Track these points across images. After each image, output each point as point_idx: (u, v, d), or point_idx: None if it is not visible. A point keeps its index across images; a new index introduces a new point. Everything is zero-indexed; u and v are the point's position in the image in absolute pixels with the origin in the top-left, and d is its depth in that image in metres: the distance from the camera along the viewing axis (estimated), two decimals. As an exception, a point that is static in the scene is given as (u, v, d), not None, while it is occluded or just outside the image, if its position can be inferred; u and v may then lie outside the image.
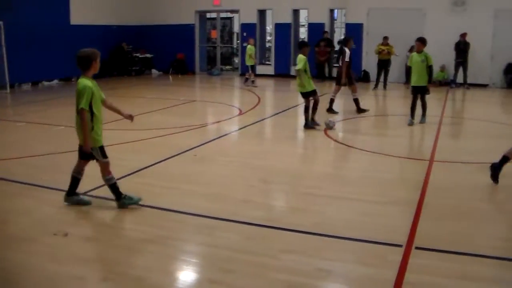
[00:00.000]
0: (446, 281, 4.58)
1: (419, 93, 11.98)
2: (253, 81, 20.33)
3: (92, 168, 6.30)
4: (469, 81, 20.11)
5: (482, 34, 20.12)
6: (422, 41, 11.92)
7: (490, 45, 20.41)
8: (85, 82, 5.91)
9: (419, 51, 11.83)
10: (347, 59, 13.33)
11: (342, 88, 13.71)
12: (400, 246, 5.23)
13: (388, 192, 7.10)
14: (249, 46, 20.47)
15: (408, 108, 12.12)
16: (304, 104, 11.65)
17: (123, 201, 6.22)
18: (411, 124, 11.92)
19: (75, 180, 6.33)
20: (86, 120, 5.89)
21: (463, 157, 9.23)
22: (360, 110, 13.73)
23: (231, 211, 6.24)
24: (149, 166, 8.15)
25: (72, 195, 6.35)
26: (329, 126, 11.44)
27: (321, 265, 4.86)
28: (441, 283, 4.56)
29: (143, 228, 5.73)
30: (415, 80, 11.91)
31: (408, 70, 12.29)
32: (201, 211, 6.18)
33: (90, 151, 6.02)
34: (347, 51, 13.43)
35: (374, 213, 6.31)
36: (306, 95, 11.55)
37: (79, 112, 5.88)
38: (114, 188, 6.24)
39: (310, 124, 11.56)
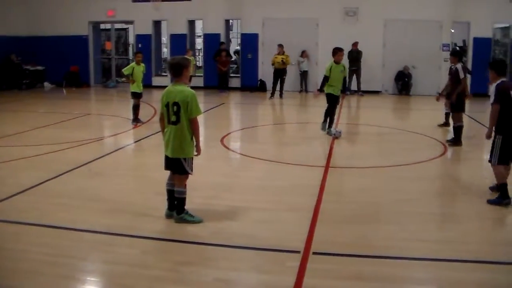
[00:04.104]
0: (344, 284, 4.76)
1: (333, 102, 11.82)
2: None
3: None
4: (362, 88, 20.99)
5: (373, 43, 21.12)
6: (343, 51, 11.97)
7: (381, 53, 21.47)
8: (190, 89, 6.08)
9: (339, 62, 11.75)
10: (462, 75, 11.35)
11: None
12: (298, 252, 5.36)
13: (285, 199, 7.24)
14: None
15: (307, 114, 12.28)
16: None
17: (183, 216, 6.23)
18: (338, 136, 11.63)
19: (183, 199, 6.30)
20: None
21: (357, 162, 9.57)
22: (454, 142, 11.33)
23: (128, 225, 6.14)
24: (41, 183, 7.82)
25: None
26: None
27: (220, 275, 4.89)
28: (339, 285, 4.73)
29: (35, 248, 5.49)
30: (335, 90, 11.76)
31: (324, 80, 11.72)
32: (97, 227, 6.03)
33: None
34: (460, 66, 11.53)
35: (271, 220, 6.42)
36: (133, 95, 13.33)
37: (193, 120, 6.02)
38: (182, 202, 6.24)
39: (137, 121, 13.30)
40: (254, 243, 5.62)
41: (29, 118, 14.67)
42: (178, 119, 5.98)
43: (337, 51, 11.82)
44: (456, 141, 10.97)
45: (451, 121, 11.83)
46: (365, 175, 8.84)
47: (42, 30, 24.04)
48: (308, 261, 5.17)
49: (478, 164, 9.98)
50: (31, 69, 23.75)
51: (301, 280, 4.75)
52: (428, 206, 7.13)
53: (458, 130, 10.97)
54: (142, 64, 13.43)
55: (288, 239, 5.75)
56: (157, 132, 11.96)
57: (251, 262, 5.32)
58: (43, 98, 21.01)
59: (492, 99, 7.08)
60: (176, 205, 6.26)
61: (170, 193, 6.33)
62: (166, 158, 6.23)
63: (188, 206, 6.26)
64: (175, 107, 5.97)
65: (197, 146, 6.19)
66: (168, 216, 6.35)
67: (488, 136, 7.25)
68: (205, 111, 16.74)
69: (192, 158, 6.17)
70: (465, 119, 11.58)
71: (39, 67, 24.11)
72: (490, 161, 7.16)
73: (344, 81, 12.01)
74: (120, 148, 10.82)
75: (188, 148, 6.10)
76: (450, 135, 11.32)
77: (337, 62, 11.76)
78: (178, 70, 6.09)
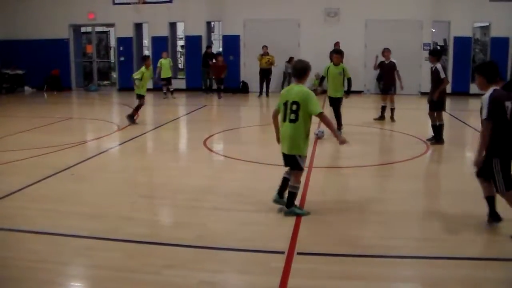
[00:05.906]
0: (328, 283, 4.76)
1: (333, 105, 12.12)
2: (171, 92, 20.70)
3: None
4: (344, 88, 20.98)
5: (355, 43, 21.25)
6: (341, 54, 12.15)
7: (362, 53, 21.58)
8: (308, 89, 6.41)
9: (338, 64, 11.98)
10: (443, 75, 10.89)
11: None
12: (282, 252, 5.35)
13: (268, 200, 7.19)
14: (162, 60, 20.28)
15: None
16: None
17: (293, 209, 6.46)
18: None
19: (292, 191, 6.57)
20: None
21: (340, 162, 9.60)
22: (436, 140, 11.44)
23: (112, 229, 6.09)
24: (22, 189, 7.71)
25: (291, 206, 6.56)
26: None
27: (204, 277, 4.86)
28: (324, 285, 4.73)
29: (19, 254, 5.42)
30: (331, 92, 12.07)
31: (322, 80, 12.13)
32: (80, 232, 5.97)
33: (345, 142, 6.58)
34: (440, 66, 11.01)
35: (255, 222, 6.42)
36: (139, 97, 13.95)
37: (320, 115, 6.28)
38: (293, 197, 6.49)
39: (131, 120, 13.78)
40: (238, 245, 5.61)
41: (10, 123, 14.53)
42: (297, 117, 6.28)
43: (332, 53, 12.21)
44: (438, 139, 11.04)
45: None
46: (348, 174, 8.87)
47: (22, 33, 23.84)
48: (292, 261, 5.16)
49: (460, 162, 10.06)
50: (11, 73, 23.53)
51: (286, 281, 4.74)
52: (411, 204, 7.15)
53: (439, 128, 11.05)
54: (150, 67, 14.43)
55: (272, 240, 5.74)
56: (140, 135, 12.00)
57: (235, 263, 5.32)
58: (23, 103, 20.85)
59: (484, 113, 5.62)
60: (288, 199, 6.51)
61: (285, 181, 6.64)
62: (283, 155, 6.62)
63: (171, 208, 6.24)
64: (294, 106, 6.29)
65: (337, 136, 6.68)
66: (276, 201, 6.65)
67: (478, 163, 5.78)
68: (187, 114, 16.78)
69: (306, 155, 6.57)
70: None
71: (19, 71, 23.90)
72: (497, 190, 5.78)
73: (349, 83, 12.54)
74: (104, 151, 10.72)
75: (303, 145, 6.44)
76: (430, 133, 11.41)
77: (336, 64, 12.02)
78: (302, 73, 6.46)
